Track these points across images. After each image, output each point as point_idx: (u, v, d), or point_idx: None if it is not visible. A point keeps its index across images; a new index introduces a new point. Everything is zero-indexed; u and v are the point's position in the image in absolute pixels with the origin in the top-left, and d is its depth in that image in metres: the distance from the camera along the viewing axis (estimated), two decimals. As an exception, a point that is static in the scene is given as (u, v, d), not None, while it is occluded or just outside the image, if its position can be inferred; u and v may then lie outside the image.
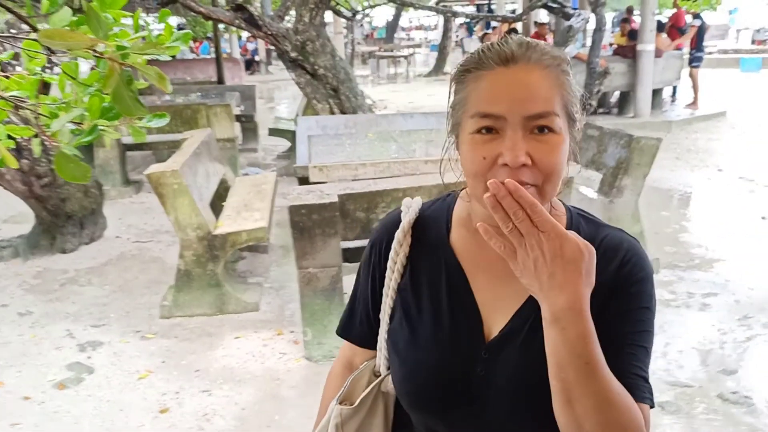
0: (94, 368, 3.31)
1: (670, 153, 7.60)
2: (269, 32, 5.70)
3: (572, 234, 0.78)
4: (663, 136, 4.36)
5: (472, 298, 0.96)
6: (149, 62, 1.15)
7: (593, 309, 0.80)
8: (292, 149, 7.54)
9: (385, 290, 1.02)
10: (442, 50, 19.78)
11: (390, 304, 1.02)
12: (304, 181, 4.34)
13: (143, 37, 1.18)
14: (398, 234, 1.01)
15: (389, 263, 1.01)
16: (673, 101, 11.24)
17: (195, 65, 12.73)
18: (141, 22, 1.30)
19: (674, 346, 3.39)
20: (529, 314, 0.92)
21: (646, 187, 4.37)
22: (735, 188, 6.49)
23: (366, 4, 13.33)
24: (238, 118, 8.05)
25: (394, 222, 1.03)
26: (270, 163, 7.93)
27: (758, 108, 11.10)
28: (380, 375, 1.08)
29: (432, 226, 1.01)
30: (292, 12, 6.15)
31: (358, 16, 14.42)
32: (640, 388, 0.86)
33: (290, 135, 7.63)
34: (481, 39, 15.57)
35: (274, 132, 8.12)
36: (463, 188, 0.99)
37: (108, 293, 4.23)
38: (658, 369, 3.17)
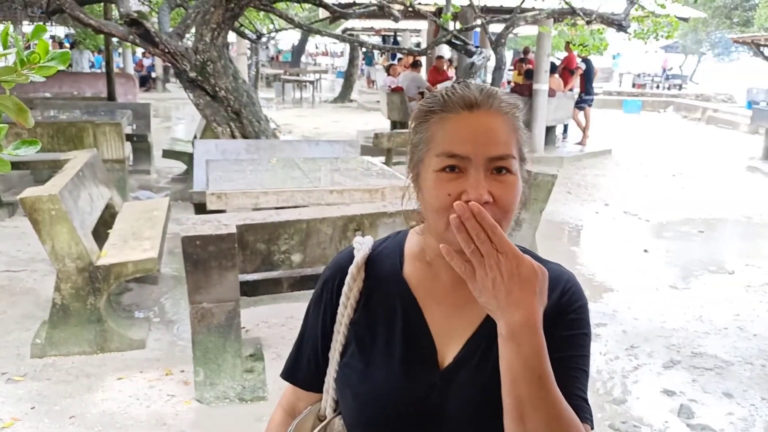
0: (-52, 417, 2.92)
1: (562, 187, 7.96)
2: (167, 50, 5.43)
3: (527, 256, 0.83)
4: (555, 171, 4.53)
5: (426, 328, 0.99)
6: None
7: None
8: (188, 172, 7.22)
9: (336, 326, 1.03)
10: (348, 77, 19.90)
11: (341, 340, 1.02)
12: (200, 207, 4.12)
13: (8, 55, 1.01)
14: (352, 269, 1.03)
15: (342, 298, 1.03)
16: (564, 138, 11.87)
17: (83, 79, 12.02)
18: (12, 38, 1.13)
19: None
20: (481, 340, 0.96)
21: (541, 220, 4.51)
22: (620, 222, 6.87)
23: (272, 27, 13.17)
24: (129, 137, 7.62)
25: (347, 259, 1.05)
26: (164, 186, 7.53)
27: (639, 147, 11.94)
28: (325, 419, 1.07)
29: (385, 261, 1.04)
30: (193, 30, 5.92)
31: (263, 39, 14.21)
32: (582, 409, 0.92)
33: (187, 157, 7.30)
34: (387, 69, 15.82)
35: (169, 154, 7.75)
36: (413, 225, 1.05)
37: (-30, 329, 3.78)
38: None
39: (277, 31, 13.12)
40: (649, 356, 3.76)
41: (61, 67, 1.20)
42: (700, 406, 3.26)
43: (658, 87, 24.48)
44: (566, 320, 0.96)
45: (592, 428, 0.94)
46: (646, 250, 5.88)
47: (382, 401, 0.97)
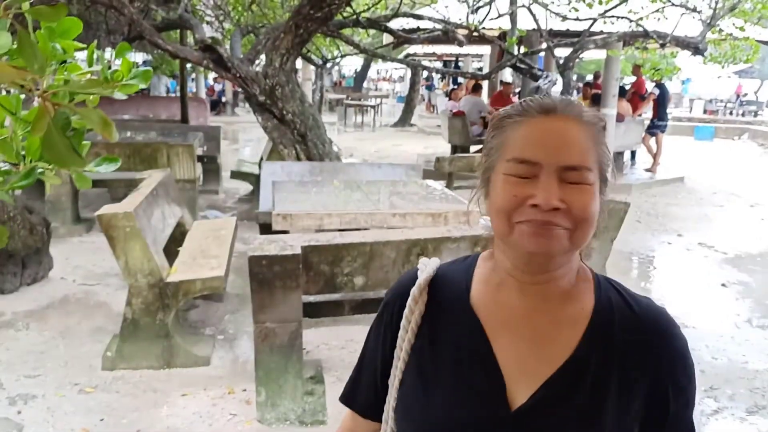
0: (24, 425, 3.01)
1: (632, 216, 7.67)
2: (238, 74, 5.59)
3: None
4: (624, 199, 4.36)
5: (493, 360, 0.90)
6: (104, 100, 1.01)
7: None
8: (254, 193, 7.36)
9: (396, 351, 0.96)
10: (409, 102, 20.02)
11: (401, 367, 0.95)
12: (266, 227, 4.17)
13: (95, 72, 1.04)
14: (414, 291, 0.96)
15: (403, 322, 0.96)
16: (632, 165, 11.51)
17: (159, 103, 12.52)
18: (97, 56, 1.16)
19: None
20: (563, 382, 0.87)
21: (611, 249, 4.34)
22: (695, 253, 6.56)
23: (337, 53, 13.42)
24: (200, 158, 7.86)
25: (410, 280, 0.99)
26: (231, 206, 7.71)
27: (713, 175, 11.44)
28: None
29: (450, 285, 0.97)
30: (263, 56, 6.08)
31: (328, 64, 14.50)
32: None
33: (253, 178, 7.46)
34: (448, 94, 15.83)
35: (236, 174, 7.94)
36: (486, 250, 0.98)
37: (47, 340, 3.93)
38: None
39: (342, 56, 13.36)
40: (730, 399, 3.53)
41: (143, 86, 1.22)
42: (788, 454, 3.02)
43: (731, 113, 23.51)
44: (677, 389, 0.90)
45: None
46: (723, 284, 5.57)
47: None
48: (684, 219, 8.00)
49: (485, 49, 17.36)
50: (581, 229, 0.83)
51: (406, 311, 0.96)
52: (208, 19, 9.13)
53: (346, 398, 1.07)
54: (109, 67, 1.14)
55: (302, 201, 4.22)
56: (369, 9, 8.00)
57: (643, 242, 6.84)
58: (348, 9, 6.74)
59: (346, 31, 8.10)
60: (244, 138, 15.23)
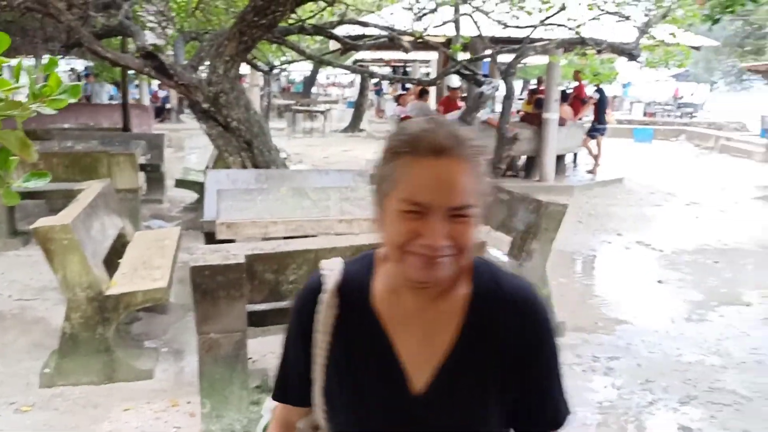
0: (-45, 448, 2.90)
1: (573, 217, 7.91)
2: (180, 82, 5.51)
3: None
4: (566, 200, 4.50)
5: (393, 354, 1.01)
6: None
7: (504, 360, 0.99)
8: (200, 201, 7.26)
9: (315, 350, 1.06)
10: (358, 107, 20.06)
11: (321, 362, 1.05)
12: (211, 237, 4.12)
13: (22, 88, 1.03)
14: (326, 298, 1.05)
15: (317, 326, 1.05)
16: (574, 167, 11.85)
17: (100, 111, 12.20)
18: (27, 68, 1.15)
19: (582, 412, 3.39)
20: (452, 367, 1.00)
21: (552, 249, 4.47)
22: (633, 252, 6.80)
23: (284, 58, 13.36)
24: (143, 167, 7.70)
25: (317, 285, 1.07)
26: (176, 215, 7.58)
27: (651, 175, 11.88)
28: (319, 428, 1.12)
29: (354, 287, 1.06)
30: (207, 63, 6.01)
31: (276, 70, 14.39)
32: (560, 412, 1.05)
33: (198, 187, 7.35)
34: (396, 99, 15.94)
35: (181, 183, 7.81)
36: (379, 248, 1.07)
37: (-20, 358, 3.79)
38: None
39: (288, 62, 13.30)
40: (664, 391, 3.68)
41: (72, 100, 1.22)
42: (718, 442, 3.17)
43: (669, 116, 24.45)
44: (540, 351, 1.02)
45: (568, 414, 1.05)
46: (660, 281, 5.80)
47: (360, 428, 1.02)
48: (623, 219, 8.29)
49: (433, 55, 17.55)
50: (464, 253, 0.95)
51: (320, 316, 1.04)
52: (150, 25, 8.96)
53: (279, 396, 1.17)
54: (45, 79, 1.14)
55: (248, 209, 4.19)
56: (314, 16, 8.00)
57: (585, 242, 7.05)
58: (293, 16, 6.74)
59: (293, 38, 8.09)
60: (190, 145, 14.98)
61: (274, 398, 1.17)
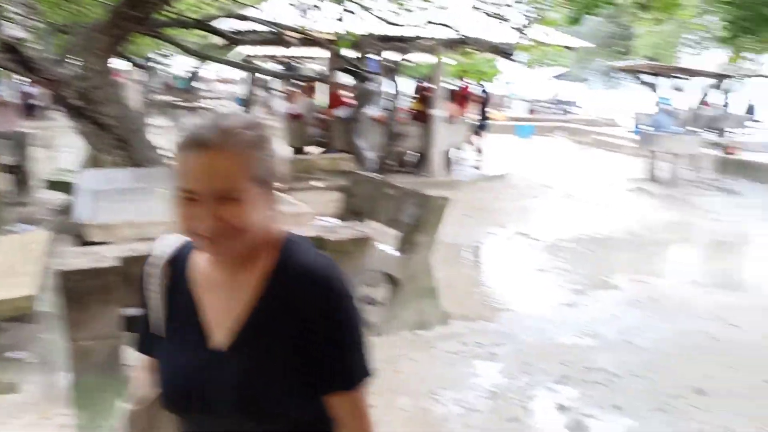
0: None
1: (460, 210, 8.16)
2: (46, 77, 5.13)
3: None
4: (453, 195, 4.64)
5: (199, 317, 1.17)
6: None
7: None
8: (71, 203, 6.80)
9: (149, 312, 1.23)
10: (247, 104, 19.61)
11: (153, 323, 1.22)
12: (83, 239, 3.88)
13: None
14: (154, 265, 1.22)
15: (148, 292, 1.23)
16: (460, 163, 12.22)
17: (-42, 107, 11.10)
18: None
19: (467, 396, 3.51)
20: (249, 330, 1.14)
21: (440, 242, 4.59)
22: (514, 243, 7.13)
23: (162, 53, 12.79)
24: (8, 168, 7.10)
25: (157, 256, 1.23)
26: (45, 218, 7.05)
27: (532, 170, 12.49)
28: None
29: (180, 259, 1.23)
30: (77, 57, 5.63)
31: (154, 65, 13.78)
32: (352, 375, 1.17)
33: (70, 187, 6.89)
34: (288, 95, 15.74)
35: (52, 184, 7.27)
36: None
37: None
38: (452, 416, 3.26)
39: (165, 56, 12.76)
40: (543, 373, 3.87)
41: None
42: (592, 420, 3.37)
43: (549, 113, 25.78)
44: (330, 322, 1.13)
45: (367, 376, 1.17)
46: (541, 270, 6.11)
47: (169, 382, 1.18)
48: (506, 212, 8.67)
49: (325, 52, 17.48)
50: (243, 232, 1.09)
51: (154, 282, 1.21)
52: (13, 17, 8.27)
53: (140, 349, 1.30)
54: None
55: (123, 210, 3.97)
56: (195, 9, 7.73)
57: (470, 234, 7.30)
58: (172, 8, 6.46)
59: (172, 32, 7.77)
60: (62, 144, 14.01)
61: (137, 350, 1.31)
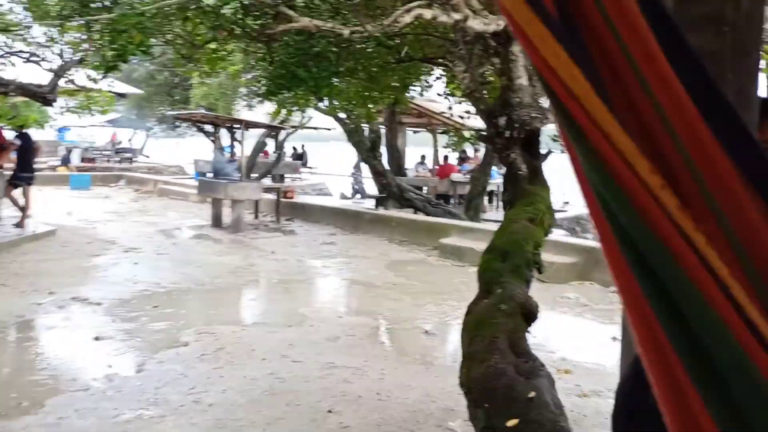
0: None
1: (-4, 280, 6.83)
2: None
3: None
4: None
5: None
6: None
7: None
8: None
9: None
10: None
11: None
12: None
13: None
14: None
15: None
16: None
17: None
18: None
19: None
20: None
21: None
22: (69, 310, 6.23)
23: None
24: None
25: None
26: None
27: (89, 225, 11.45)
28: None
29: None
30: None
31: None
32: None
33: None
34: None
35: None
36: None
37: None
38: None
39: None
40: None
41: None
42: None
43: (108, 161, 24.51)
44: None
45: None
46: (97, 338, 5.41)
47: None
48: (57, 274, 7.59)
49: None
50: None
51: None
52: None
53: None
54: None
55: None
56: None
57: (10, 307, 6.11)
58: None
59: None
60: None
61: None
